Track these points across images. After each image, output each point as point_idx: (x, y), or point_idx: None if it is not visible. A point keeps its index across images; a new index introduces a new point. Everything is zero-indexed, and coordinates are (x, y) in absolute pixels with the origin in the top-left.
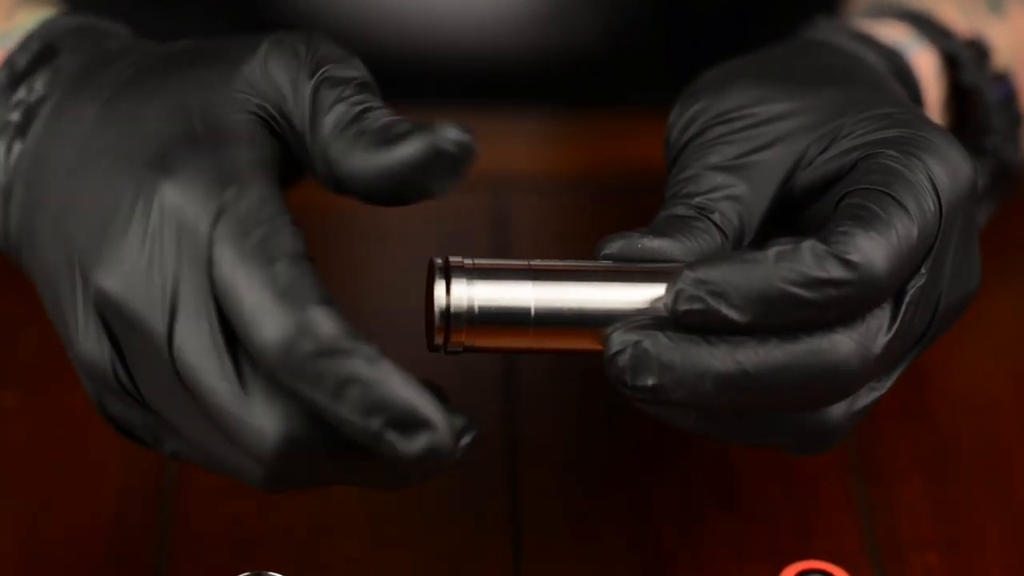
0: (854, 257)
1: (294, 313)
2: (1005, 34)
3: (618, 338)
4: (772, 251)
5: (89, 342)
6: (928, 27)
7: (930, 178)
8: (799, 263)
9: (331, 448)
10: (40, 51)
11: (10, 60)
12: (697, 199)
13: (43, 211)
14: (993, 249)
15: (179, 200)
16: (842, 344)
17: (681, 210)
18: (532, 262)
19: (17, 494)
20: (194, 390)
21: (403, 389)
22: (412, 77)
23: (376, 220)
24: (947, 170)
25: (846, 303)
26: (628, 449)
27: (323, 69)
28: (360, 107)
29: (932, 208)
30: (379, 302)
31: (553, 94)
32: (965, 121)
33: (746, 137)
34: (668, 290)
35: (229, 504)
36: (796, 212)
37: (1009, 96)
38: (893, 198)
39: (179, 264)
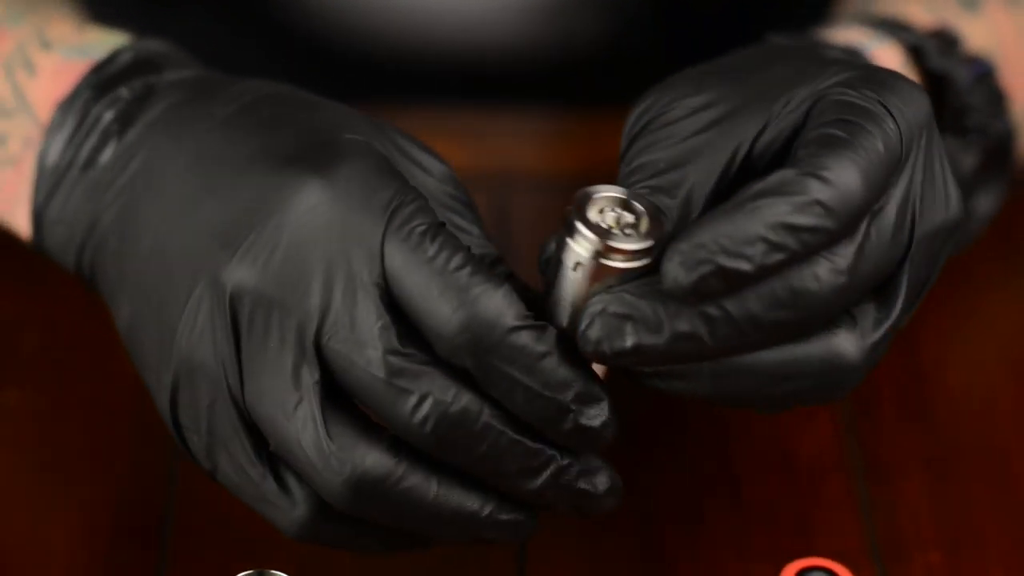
0: (829, 175)
1: (478, 297)
2: (981, 29)
3: (585, 317)
4: (747, 193)
5: (203, 341)
6: (887, 26)
7: (882, 104)
8: (782, 194)
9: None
10: (132, 62)
11: (99, 67)
12: (640, 186)
13: (146, 219)
14: (995, 248)
15: (332, 198)
16: (811, 266)
17: None
18: None
19: (18, 493)
20: (346, 378)
21: (582, 365)
22: (412, 77)
23: None
24: (899, 97)
25: (836, 221)
26: (629, 447)
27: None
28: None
29: (893, 127)
30: None
31: (553, 94)
32: (944, 109)
33: (685, 125)
34: (667, 268)
35: (231, 503)
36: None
37: (985, 73)
38: (851, 122)
39: (340, 257)
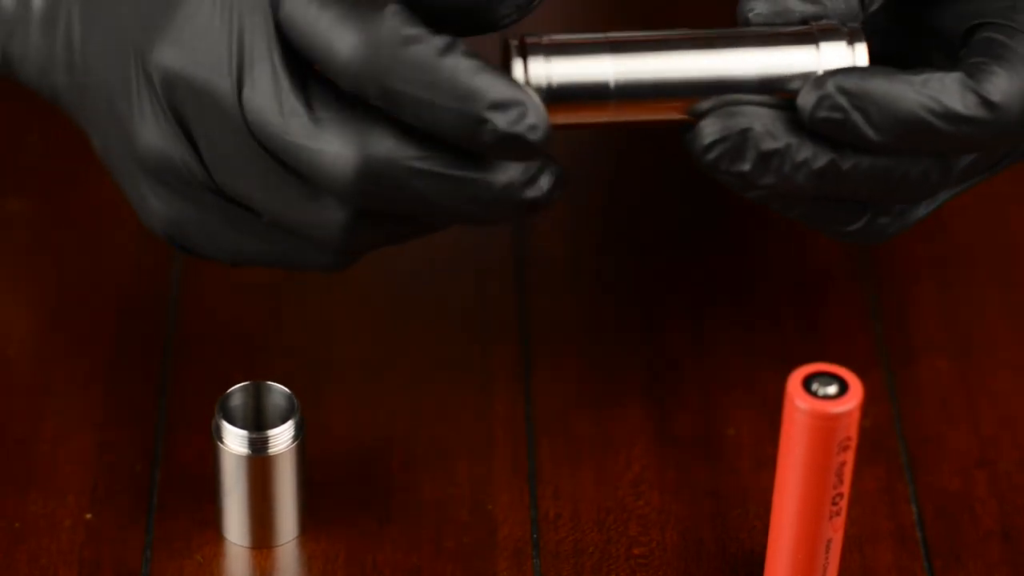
0: (995, 98)
1: (369, 18)
2: None
3: (718, 125)
4: (921, 76)
5: (152, 130)
6: None
7: None
8: (945, 95)
9: (411, 165)
10: None
11: None
12: None
13: (96, 22)
14: None
15: None
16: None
17: None
18: (610, 34)
19: (19, 301)
20: (266, 139)
21: (493, 72)
22: None
23: None
24: None
25: (975, 141)
26: (639, 254)
27: None
28: None
29: None
30: None
31: None
32: None
33: None
34: (806, 94)
35: (233, 313)
36: (920, 9)
37: None
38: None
39: (241, 19)
